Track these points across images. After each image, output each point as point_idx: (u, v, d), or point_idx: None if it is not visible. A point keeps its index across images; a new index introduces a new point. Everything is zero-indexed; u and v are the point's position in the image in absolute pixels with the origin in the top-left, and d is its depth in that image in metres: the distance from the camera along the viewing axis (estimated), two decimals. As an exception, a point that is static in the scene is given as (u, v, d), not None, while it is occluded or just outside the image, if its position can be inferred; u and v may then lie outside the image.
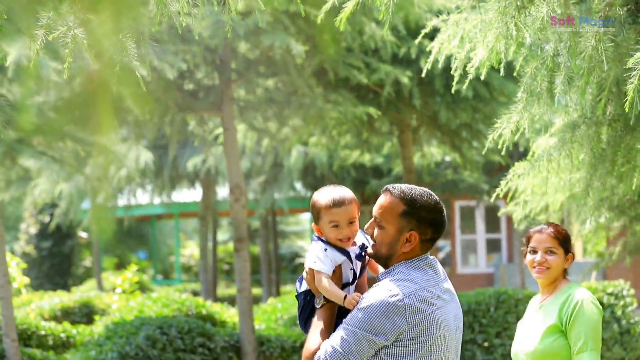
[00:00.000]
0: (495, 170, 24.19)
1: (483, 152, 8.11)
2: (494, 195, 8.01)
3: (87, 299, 18.62)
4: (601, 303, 12.70)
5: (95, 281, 30.53)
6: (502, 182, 7.89)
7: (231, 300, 27.65)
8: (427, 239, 4.27)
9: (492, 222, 29.29)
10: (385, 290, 4.13)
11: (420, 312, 4.10)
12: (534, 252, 5.52)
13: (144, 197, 28.12)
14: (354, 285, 4.41)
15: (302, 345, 12.78)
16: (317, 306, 4.33)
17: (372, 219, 4.33)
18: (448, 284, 4.33)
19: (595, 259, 22.44)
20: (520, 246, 25.64)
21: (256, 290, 29.85)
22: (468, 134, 15.29)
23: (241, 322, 12.66)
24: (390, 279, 4.20)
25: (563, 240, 5.49)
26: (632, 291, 13.15)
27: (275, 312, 14.36)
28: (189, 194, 30.78)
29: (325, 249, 4.33)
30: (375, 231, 4.30)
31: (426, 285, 4.19)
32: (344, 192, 4.35)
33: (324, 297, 4.31)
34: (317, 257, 4.31)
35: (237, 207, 12.85)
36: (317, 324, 4.29)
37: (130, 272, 17.66)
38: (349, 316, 4.17)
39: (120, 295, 17.72)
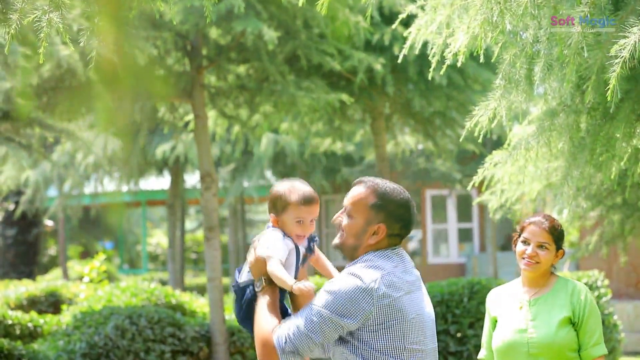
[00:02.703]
0: (468, 159, 24.13)
1: (460, 140, 8.02)
2: (470, 184, 7.93)
3: (54, 288, 18.37)
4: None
5: (61, 270, 30.27)
6: (479, 171, 7.80)
7: (199, 290, 27.50)
8: (395, 234, 4.33)
9: (464, 211, 29.20)
10: (352, 275, 4.17)
11: (388, 297, 4.14)
12: (526, 243, 5.46)
13: (111, 185, 27.91)
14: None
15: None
16: (258, 289, 4.37)
17: (342, 209, 4.39)
18: (416, 273, 4.38)
19: (567, 249, 22.46)
20: (496, 234, 25.41)
21: (225, 280, 29.70)
22: (441, 122, 15.20)
23: (212, 312, 12.52)
24: (358, 265, 4.23)
25: (557, 237, 5.46)
26: (607, 282, 13.11)
27: (245, 302, 14.21)
28: (157, 182, 30.58)
29: (284, 237, 4.42)
30: (344, 220, 4.35)
31: (394, 271, 4.23)
32: (311, 189, 4.47)
33: (264, 280, 4.36)
34: (273, 243, 4.37)
35: (208, 195, 12.70)
36: (264, 307, 4.32)
37: (98, 261, 17.43)
38: (316, 299, 4.20)
39: (87, 285, 17.50)
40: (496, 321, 5.63)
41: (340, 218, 4.37)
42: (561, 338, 5.31)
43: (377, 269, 4.18)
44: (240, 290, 4.48)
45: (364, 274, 4.15)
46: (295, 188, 4.45)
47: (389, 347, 4.16)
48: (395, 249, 4.32)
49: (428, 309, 4.34)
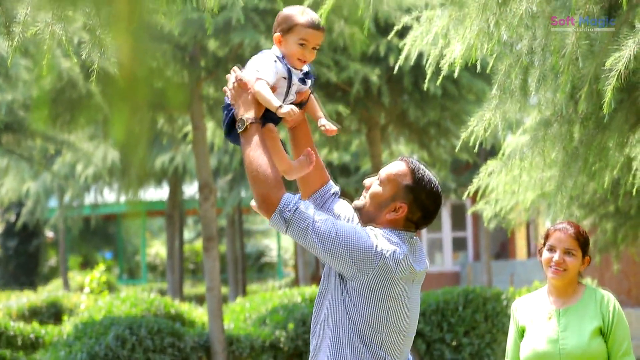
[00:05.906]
0: (462, 169, 24.24)
1: (456, 150, 8.12)
2: (465, 194, 8.02)
3: (55, 298, 18.49)
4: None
5: (61, 280, 30.37)
6: (474, 180, 7.88)
7: (198, 299, 27.56)
8: (413, 220, 4.34)
9: (458, 220, 29.31)
10: (373, 235, 4.22)
11: (391, 271, 4.18)
12: (552, 250, 5.40)
13: (110, 196, 28.02)
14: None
15: (271, 345, 12.74)
16: (240, 130, 4.33)
17: (377, 176, 4.41)
18: (425, 264, 4.40)
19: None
20: (490, 243, 25.35)
21: (223, 290, 29.76)
22: (436, 132, 15.31)
23: (210, 321, 12.61)
24: (383, 232, 4.27)
25: (583, 243, 5.38)
26: (600, 290, 13.19)
27: (243, 312, 14.31)
28: (156, 193, 30.68)
29: (276, 60, 4.43)
30: (374, 186, 4.37)
31: (407, 255, 4.25)
32: (319, 18, 4.51)
33: (243, 120, 4.32)
34: (263, 65, 4.39)
35: (207, 205, 12.80)
36: (253, 152, 4.27)
37: (98, 272, 17.54)
38: (343, 223, 4.26)
39: (88, 295, 17.60)
40: (524, 330, 5.53)
41: (372, 182, 4.40)
42: (594, 348, 5.26)
43: (396, 245, 4.22)
44: (225, 109, 4.51)
45: (383, 240, 4.21)
46: (305, 11, 4.49)
47: (371, 318, 4.20)
48: (413, 237, 4.35)
49: (417, 302, 4.38)
